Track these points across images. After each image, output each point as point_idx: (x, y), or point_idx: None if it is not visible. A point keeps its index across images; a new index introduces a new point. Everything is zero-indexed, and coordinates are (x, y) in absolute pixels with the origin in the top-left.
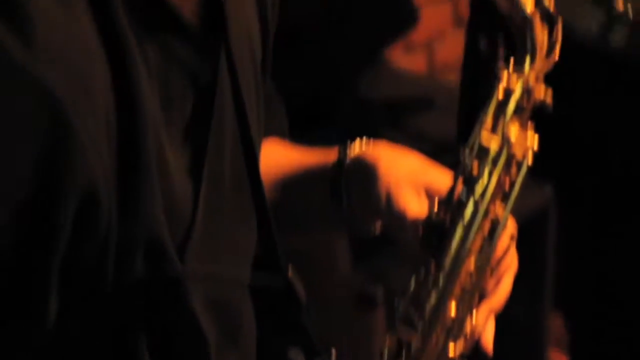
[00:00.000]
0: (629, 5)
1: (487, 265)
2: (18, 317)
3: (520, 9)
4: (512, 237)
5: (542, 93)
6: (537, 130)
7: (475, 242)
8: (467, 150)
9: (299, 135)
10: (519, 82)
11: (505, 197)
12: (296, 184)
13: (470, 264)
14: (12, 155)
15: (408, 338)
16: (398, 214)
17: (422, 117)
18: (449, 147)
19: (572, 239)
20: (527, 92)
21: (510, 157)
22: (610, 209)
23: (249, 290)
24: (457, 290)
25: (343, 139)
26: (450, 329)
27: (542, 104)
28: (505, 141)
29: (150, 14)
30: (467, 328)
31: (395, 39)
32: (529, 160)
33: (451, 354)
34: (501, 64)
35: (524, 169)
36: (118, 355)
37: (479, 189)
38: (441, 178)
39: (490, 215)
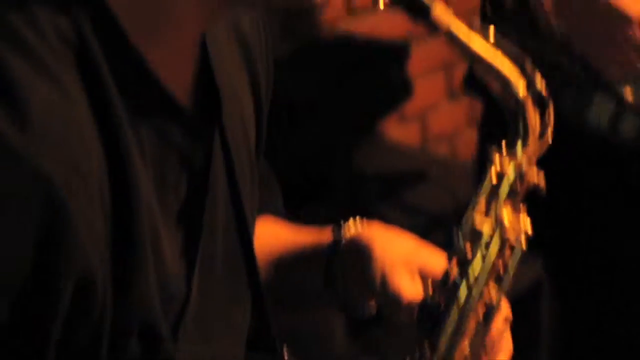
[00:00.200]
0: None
1: (481, 348)
2: None
3: (512, 93)
4: (506, 320)
5: (535, 176)
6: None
7: (470, 325)
8: (460, 234)
9: (292, 208)
10: (512, 165)
11: (499, 280)
12: (291, 263)
13: (465, 347)
14: (9, 239)
15: None
16: (393, 297)
17: (415, 190)
18: (442, 221)
19: (566, 314)
20: (520, 175)
21: (503, 241)
22: (605, 284)
23: None
24: None
25: (336, 212)
26: None
27: (535, 187)
28: (498, 225)
29: (145, 97)
30: None
31: (389, 111)
32: (523, 243)
33: None
34: (494, 147)
35: (517, 253)
36: None
37: (472, 272)
38: (435, 259)
39: (485, 299)
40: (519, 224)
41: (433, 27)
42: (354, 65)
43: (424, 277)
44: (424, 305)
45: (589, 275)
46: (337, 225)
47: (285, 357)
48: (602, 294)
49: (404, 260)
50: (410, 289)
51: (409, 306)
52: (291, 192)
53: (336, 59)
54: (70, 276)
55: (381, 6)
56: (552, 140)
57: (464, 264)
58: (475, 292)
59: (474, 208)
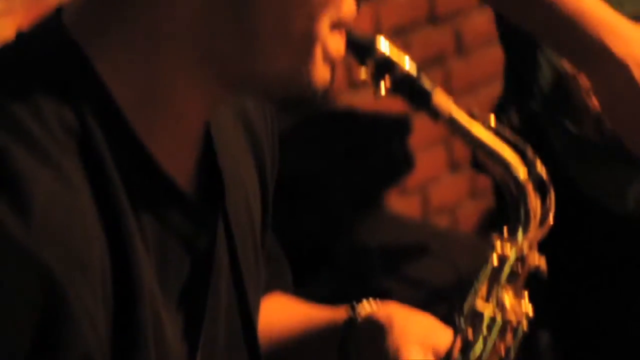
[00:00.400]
0: None
1: None
2: None
3: (513, 177)
4: None
5: (536, 260)
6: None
7: None
8: (462, 317)
9: (295, 280)
10: (513, 250)
11: None
12: (305, 340)
13: None
14: (8, 328)
15: None
16: None
17: (417, 262)
18: (444, 295)
19: None
20: (521, 259)
21: (505, 324)
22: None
23: None
24: None
25: (339, 284)
26: None
27: (536, 270)
28: (499, 308)
29: (147, 184)
30: None
31: (390, 184)
32: (524, 326)
33: None
34: (495, 233)
35: (519, 335)
36: None
37: (474, 355)
38: (449, 341)
39: None
40: (521, 307)
41: (434, 114)
42: (355, 139)
43: (437, 357)
44: None
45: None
46: (351, 304)
47: None
48: None
49: (420, 338)
50: None
51: None
52: (293, 265)
53: (338, 132)
54: None
55: (382, 93)
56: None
57: (466, 347)
58: None
59: (475, 292)
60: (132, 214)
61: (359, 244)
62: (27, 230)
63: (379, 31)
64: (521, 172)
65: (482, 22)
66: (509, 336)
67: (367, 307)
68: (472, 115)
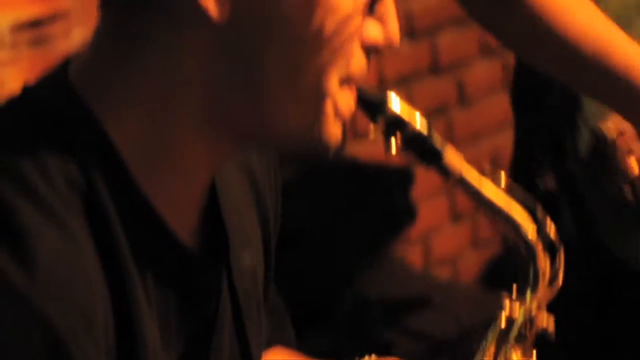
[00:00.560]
0: None
1: None
2: None
3: (523, 238)
4: None
5: (545, 321)
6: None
7: None
8: None
9: (297, 335)
10: (522, 310)
11: None
12: None
13: None
14: None
15: None
16: None
17: (419, 314)
18: (446, 347)
19: None
20: (529, 320)
21: None
22: None
23: None
24: None
25: (341, 338)
26: None
27: (544, 332)
28: None
29: (151, 240)
30: None
31: (392, 235)
32: None
33: None
34: (504, 293)
35: None
36: None
37: None
38: None
39: None
40: None
41: (444, 173)
42: (357, 189)
43: None
44: None
45: None
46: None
47: None
48: None
49: None
50: None
51: None
52: (294, 318)
53: (340, 182)
54: None
55: (393, 152)
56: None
57: None
58: None
59: (483, 352)
60: (135, 269)
61: (360, 296)
62: (31, 285)
63: (382, 81)
64: (530, 231)
65: (484, 72)
66: None
67: None
68: (483, 172)
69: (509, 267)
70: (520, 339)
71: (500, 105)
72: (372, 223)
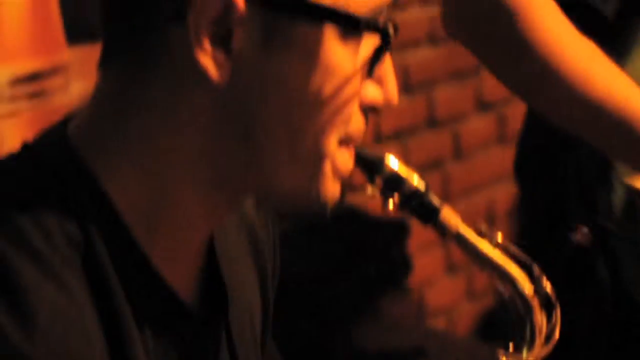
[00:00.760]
0: None
1: None
2: None
3: (520, 294)
4: None
5: None
6: None
7: None
8: None
9: None
10: None
11: None
12: None
13: None
14: None
15: None
16: None
17: None
18: None
19: None
20: None
21: None
22: None
23: None
24: None
25: None
26: None
27: None
28: None
29: (150, 296)
30: None
31: (388, 286)
32: None
33: None
34: (500, 349)
35: None
36: None
37: None
38: None
39: None
40: None
41: (441, 230)
42: (353, 241)
43: None
44: None
45: None
46: None
47: None
48: None
49: None
50: None
51: None
52: None
53: (336, 234)
54: None
55: (390, 209)
56: None
57: None
58: None
59: None
60: (134, 325)
61: (356, 348)
62: (29, 342)
63: (379, 134)
64: (527, 288)
65: (480, 126)
66: None
67: None
68: (480, 232)
69: (504, 320)
70: None
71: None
72: (368, 274)
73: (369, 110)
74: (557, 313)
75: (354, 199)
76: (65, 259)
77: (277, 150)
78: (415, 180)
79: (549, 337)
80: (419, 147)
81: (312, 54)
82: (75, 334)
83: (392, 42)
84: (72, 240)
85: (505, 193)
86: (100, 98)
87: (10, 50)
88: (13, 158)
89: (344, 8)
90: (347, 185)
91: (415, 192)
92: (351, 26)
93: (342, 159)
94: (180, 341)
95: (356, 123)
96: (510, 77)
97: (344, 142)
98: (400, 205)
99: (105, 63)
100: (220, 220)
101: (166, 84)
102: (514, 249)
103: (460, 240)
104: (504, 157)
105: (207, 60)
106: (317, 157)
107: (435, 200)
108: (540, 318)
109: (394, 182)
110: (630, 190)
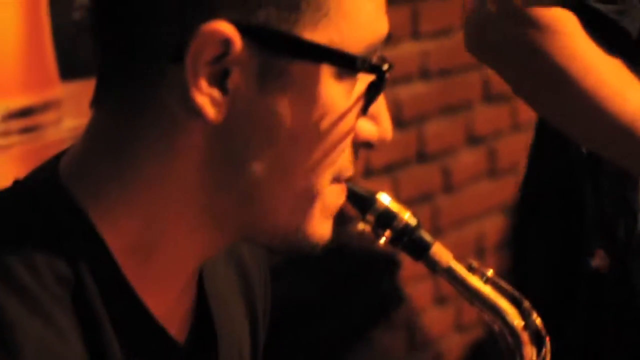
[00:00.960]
0: None
1: None
2: None
3: (510, 328)
4: None
5: None
6: None
7: None
8: None
9: None
10: None
11: None
12: None
13: None
14: None
15: None
16: None
17: None
18: None
19: None
20: None
21: None
22: None
23: None
24: None
25: None
26: None
27: None
28: None
29: (139, 333)
30: None
31: (378, 318)
32: None
33: None
34: None
35: None
36: None
37: None
38: None
39: None
40: None
41: (432, 266)
42: (344, 273)
43: None
44: None
45: None
46: None
47: None
48: None
49: None
50: None
51: None
52: None
53: (327, 266)
54: None
55: (381, 243)
56: None
57: None
58: None
59: None
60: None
61: None
62: None
63: (369, 168)
64: (517, 322)
65: (470, 160)
66: None
67: None
68: (470, 268)
69: (494, 352)
70: None
71: (484, 192)
72: (358, 307)
73: (361, 145)
74: (547, 347)
75: (345, 232)
76: (54, 296)
77: (270, 188)
78: (407, 217)
79: None
80: (409, 181)
81: (308, 92)
82: None
83: (386, 80)
84: (62, 279)
85: (494, 226)
86: (92, 137)
87: (3, 85)
88: (3, 195)
89: (339, 47)
90: (338, 218)
91: (407, 229)
92: (347, 65)
93: (334, 195)
94: None
95: (347, 160)
96: (544, 103)
97: (336, 179)
98: (391, 241)
99: (98, 99)
100: (210, 257)
101: (160, 122)
102: (504, 284)
103: (451, 275)
104: (494, 190)
105: (203, 99)
106: (309, 195)
107: (426, 236)
108: (530, 352)
109: (385, 219)
110: None
